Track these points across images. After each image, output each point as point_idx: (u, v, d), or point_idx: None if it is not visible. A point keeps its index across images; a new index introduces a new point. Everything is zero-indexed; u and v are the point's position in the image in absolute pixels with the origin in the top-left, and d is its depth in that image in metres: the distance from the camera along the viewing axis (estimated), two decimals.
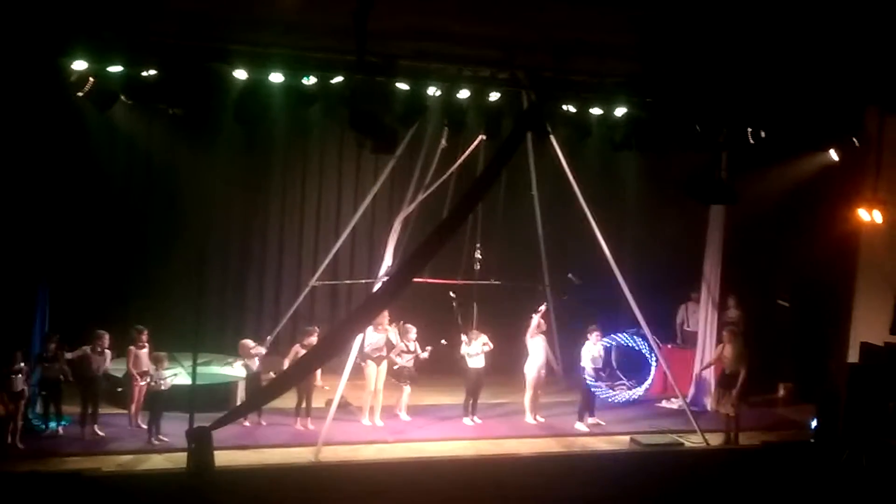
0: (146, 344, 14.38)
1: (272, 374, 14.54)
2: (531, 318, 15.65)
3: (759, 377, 17.80)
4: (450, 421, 15.60)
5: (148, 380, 14.08)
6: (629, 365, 18.35)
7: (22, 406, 13.51)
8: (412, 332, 15.48)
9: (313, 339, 14.51)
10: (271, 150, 17.30)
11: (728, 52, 15.07)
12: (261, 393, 13.87)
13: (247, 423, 14.52)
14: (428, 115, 15.40)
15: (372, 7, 12.72)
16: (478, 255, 16.75)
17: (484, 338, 15.58)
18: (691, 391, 17.25)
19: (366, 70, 13.94)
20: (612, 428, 15.71)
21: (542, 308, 15.88)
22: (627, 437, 14.96)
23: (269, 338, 16.72)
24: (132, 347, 14.30)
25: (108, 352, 14.26)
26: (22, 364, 13.48)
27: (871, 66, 15.72)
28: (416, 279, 13.80)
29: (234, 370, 15.02)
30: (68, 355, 13.97)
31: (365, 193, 16.78)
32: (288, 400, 14.61)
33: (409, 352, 15.39)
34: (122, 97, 13.94)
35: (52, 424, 13.96)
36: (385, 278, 14.96)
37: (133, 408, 14.37)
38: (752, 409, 16.07)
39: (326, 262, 17.08)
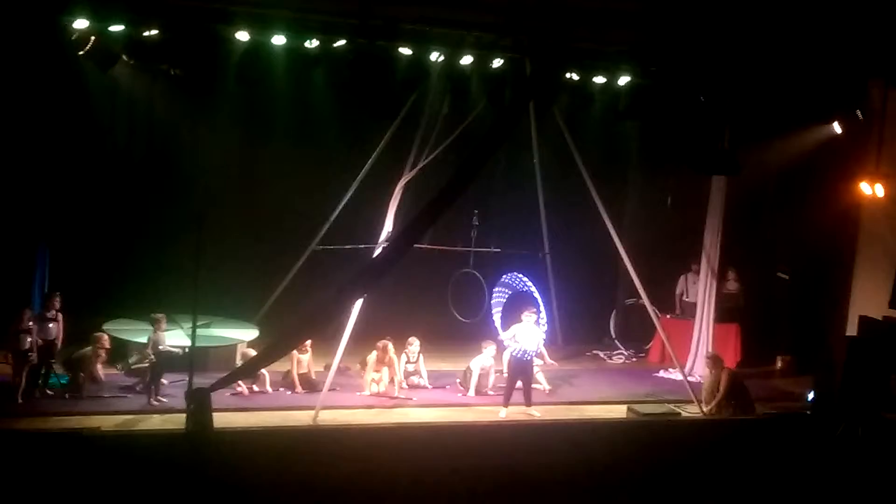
0: (106, 350, 14.35)
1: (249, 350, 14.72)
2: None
3: (757, 349, 17.93)
4: (450, 387, 15.62)
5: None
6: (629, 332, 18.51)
7: (28, 365, 13.53)
8: (415, 343, 15.50)
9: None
10: (272, 113, 17.21)
11: (733, 22, 15.00)
12: (258, 357, 13.86)
13: (245, 394, 14.45)
14: (430, 81, 15.36)
15: None
16: (475, 221, 16.71)
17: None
18: (689, 361, 17.30)
19: (368, 34, 13.88)
20: (610, 397, 15.75)
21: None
22: (625, 407, 14.98)
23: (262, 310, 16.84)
24: (153, 335, 14.21)
25: (102, 353, 14.28)
26: (30, 323, 13.49)
27: (875, 39, 15.65)
28: (415, 245, 13.77)
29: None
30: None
31: (366, 158, 16.72)
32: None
33: (411, 361, 15.47)
34: (124, 57, 13.90)
35: (51, 382, 13.98)
36: (385, 244, 14.94)
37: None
38: (749, 380, 16.07)
39: (327, 226, 17.06)
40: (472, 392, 15.25)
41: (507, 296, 16.29)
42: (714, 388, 14.93)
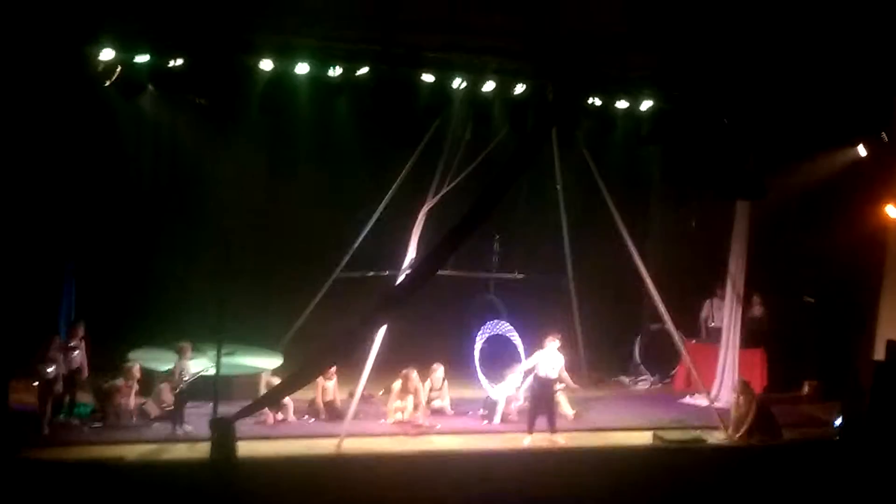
0: (136, 382, 14.30)
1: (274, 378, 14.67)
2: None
3: (784, 374, 17.77)
4: (473, 414, 15.57)
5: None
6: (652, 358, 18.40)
7: (53, 393, 13.55)
8: (439, 370, 15.46)
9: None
10: (296, 141, 17.28)
11: (756, 45, 14.98)
12: (282, 385, 13.86)
13: (270, 423, 14.40)
14: (452, 108, 15.39)
15: None
16: (496, 247, 16.68)
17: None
18: (715, 387, 17.16)
19: (391, 61, 13.93)
20: (635, 423, 15.64)
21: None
22: (650, 433, 14.88)
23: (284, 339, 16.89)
24: (178, 362, 14.22)
25: (134, 383, 14.23)
26: (56, 352, 13.55)
27: None
28: (439, 272, 13.77)
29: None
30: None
31: (389, 186, 16.76)
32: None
33: (435, 389, 15.41)
34: (150, 87, 14.00)
35: (76, 412, 14.01)
36: (408, 271, 14.94)
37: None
38: (776, 406, 15.92)
39: (350, 253, 17.08)
40: (497, 420, 15.19)
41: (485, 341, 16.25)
42: (743, 416, 14.80)
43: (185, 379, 14.00)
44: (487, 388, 15.38)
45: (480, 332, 16.12)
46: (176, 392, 13.95)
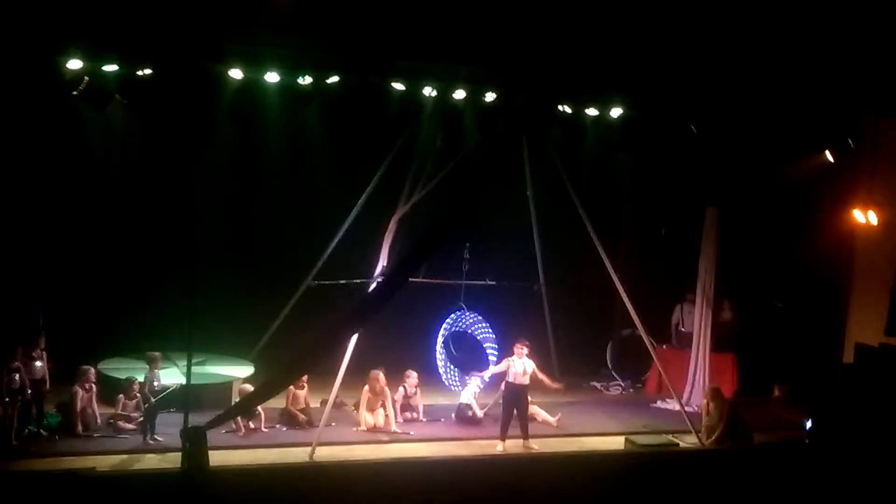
0: (94, 385, 14.17)
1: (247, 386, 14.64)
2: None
3: (754, 378, 17.90)
4: (446, 421, 15.58)
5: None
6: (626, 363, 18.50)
7: (19, 404, 13.46)
8: (412, 376, 15.55)
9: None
10: (266, 149, 17.26)
11: (725, 54, 15.10)
12: (253, 395, 13.82)
13: (241, 433, 14.33)
14: (423, 116, 15.43)
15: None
16: (466, 254, 16.76)
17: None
18: (686, 391, 17.27)
19: (361, 69, 13.96)
20: (608, 428, 15.71)
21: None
22: (623, 438, 14.95)
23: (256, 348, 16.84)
24: (148, 373, 14.14)
25: (94, 388, 14.14)
26: (17, 363, 13.45)
27: (866, 70, 15.76)
28: (410, 279, 13.79)
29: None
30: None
31: (360, 193, 16.77)
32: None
33: (409, 396, 15.51)
34: (118, 96, 13.95)
35: (44, 424, 13.91)
36: (380, 279, 14.95)
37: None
38: (747, 410, 16.03)
39: (321, 262, 17.07)
40: (479, 413, 15.35)
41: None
42: (715, 424, 14.89)
43: (155, 389, 13.93)
44: (450, 384, 15.55)
45: (445, 325, 16.15)
46: (146, 406, 13.87)
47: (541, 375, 15.04)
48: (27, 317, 15.13)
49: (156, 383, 14.04)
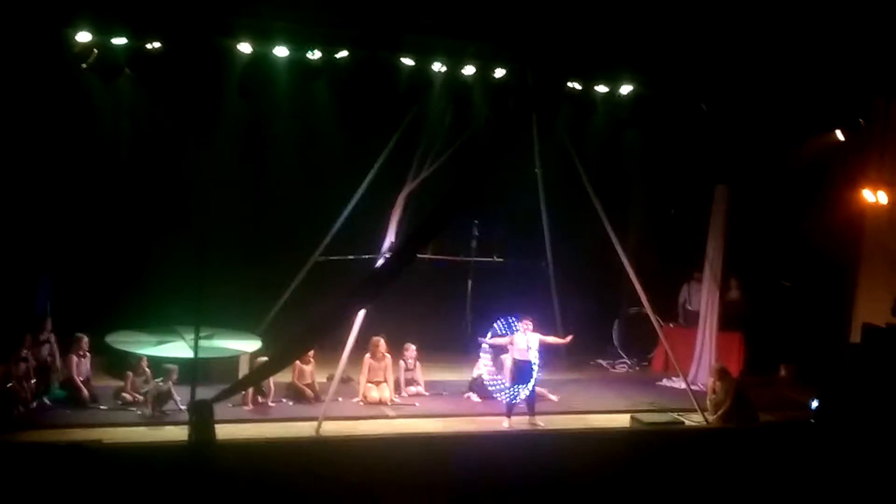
0: (87, 353, 14.29)
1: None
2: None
3: (761, 357, 17.89)
4: (452, 397, 15.62)
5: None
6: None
7: (27, 379, 13.56)
8: (411, 349, 15.62)
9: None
10: (275, 124, 17.23)
11: (736, 32, 15.02)
12: (262, 368, 13.85)
13: (248, 407, 14.40)
14: (432, 92, 15.37)
15: None
16: (475, 232, 16.71)
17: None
18: (692, 370, 17.27)
19: (370, 44, 13.90)
20: (613, 406, 15.73)
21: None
22: (628, 416, 14.96)
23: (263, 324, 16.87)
24: (161, 383, 14.08)
25: (88, 354, 14.23)
26: (27, 350, 13.66)
27: (878, 50, 15.67)
28: (418, 256, 13.77)
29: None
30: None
31: (368, 169, 16.74)
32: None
33: (409, 369, 15.56)
34: (127, 69, 13.93)
35: (50, 396, 13.97)
36: (388, 254, 14.95)
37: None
38: (753, 389, 16.04)
39: (329, 237, 17.05)
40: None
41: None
42: (720, 402, 14.90)
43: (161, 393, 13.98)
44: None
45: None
46: (156, 393, 13.90)
47: (549, 339, 15.04)
48: (34, 297, 15.17)
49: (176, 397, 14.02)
